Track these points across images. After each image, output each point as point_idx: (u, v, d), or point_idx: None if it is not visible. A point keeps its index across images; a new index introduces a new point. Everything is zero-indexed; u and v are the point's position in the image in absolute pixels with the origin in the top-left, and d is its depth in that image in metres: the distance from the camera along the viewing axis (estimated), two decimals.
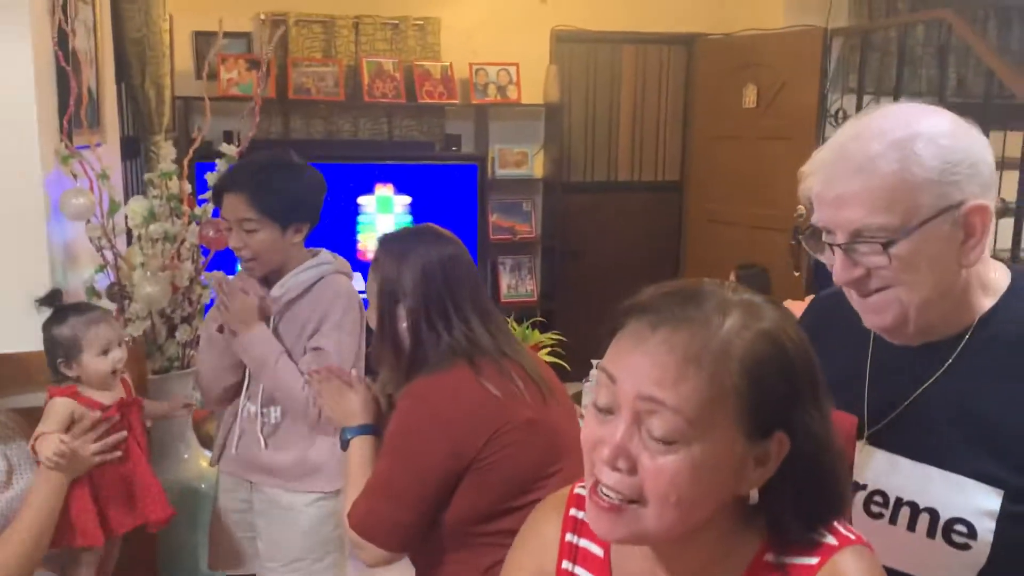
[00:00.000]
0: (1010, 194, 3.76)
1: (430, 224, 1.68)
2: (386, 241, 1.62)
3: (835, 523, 0.85)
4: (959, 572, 0.98)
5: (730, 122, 5.04)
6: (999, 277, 1.07)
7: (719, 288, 0.83)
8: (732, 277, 3.94)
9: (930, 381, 1.05)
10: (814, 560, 0.82)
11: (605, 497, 0.80)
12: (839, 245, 1.01)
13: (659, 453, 0.77)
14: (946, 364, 1.04)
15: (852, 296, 1.06)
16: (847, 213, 0.99)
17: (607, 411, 0.81)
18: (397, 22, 4.74)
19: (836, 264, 1.02)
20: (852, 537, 0.84)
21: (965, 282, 1.03)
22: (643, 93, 5.45)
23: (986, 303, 1.05)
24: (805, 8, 4.86)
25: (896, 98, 4.30)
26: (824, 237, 1.03)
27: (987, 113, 3.86)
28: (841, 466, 0.86)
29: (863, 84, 4.59)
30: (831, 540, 0.84)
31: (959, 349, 1.05)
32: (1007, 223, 3.75)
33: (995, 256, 1.12)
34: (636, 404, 0.78)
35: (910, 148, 0.97)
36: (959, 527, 0.98)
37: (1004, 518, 0.96)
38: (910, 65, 4.89)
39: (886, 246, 0.98)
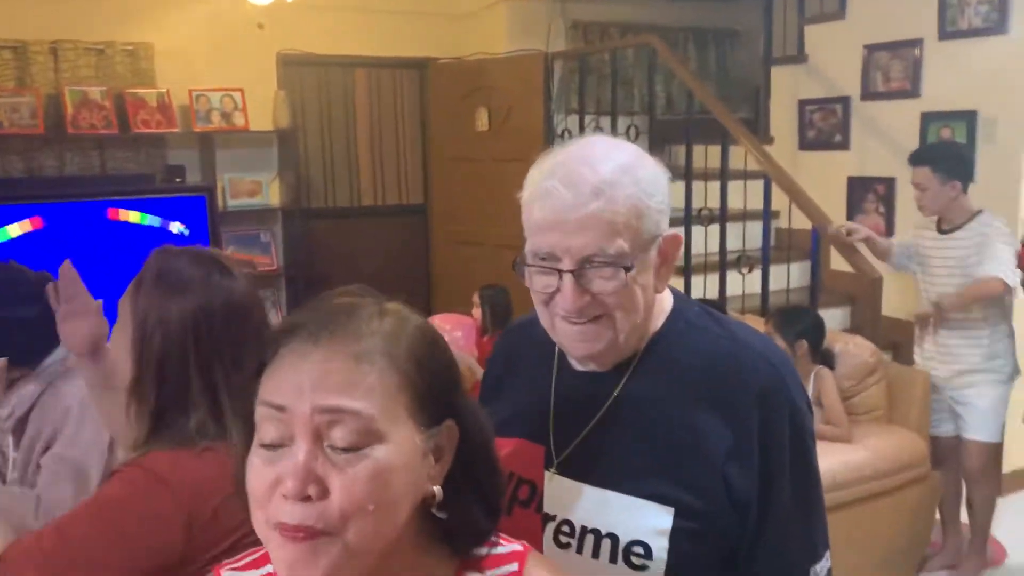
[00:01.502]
0: (713, 202, 4.11)
1: (217, 252, 1.34)
2: (163, 260, 1.25)
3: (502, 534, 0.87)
4: None
5: (466, 144, 5.13)
6: (664, 298, 1.11)
7: (369, 299, 0.83)
8: (476, 299, 3.98)
9: (606, 406, 1.07)
10: (514, 567, 0.83)
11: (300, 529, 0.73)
12: (570, 271, 0.99)
13: (348, 464, 0.73)
14: (618, 388, 1.07)
15: (556, 325, 1.04)
16: (582, 237, 0.98)
17: (277, 446, 0.75)
18: (103, 47, 4.37)
19: (565, 291, 1.00)
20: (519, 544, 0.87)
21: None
22: (379, 117, 5.42)
23: (654, 325, 1.09)
24: (527, 33, 5.05)
25: (614, 117, 4.59)
26: (541, 263, 1.01)
27: (690, 128, 4.22)
28: (497, 456, 0.88)
29: (584, 104, 4.85)
30: (517, 546, 0.85)
31: (629, 373, 1.07)
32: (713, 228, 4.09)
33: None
34: (315, 420, 0.73)
35: (638, 175, 1.00)
36: (637, 549, 1.00)
37: (676, 534, 0.99)
38: (625, 86, 5.24)
39: (627, 270, 0.99)
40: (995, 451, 3.18)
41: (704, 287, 4.13)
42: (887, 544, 3.07)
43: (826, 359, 3.12)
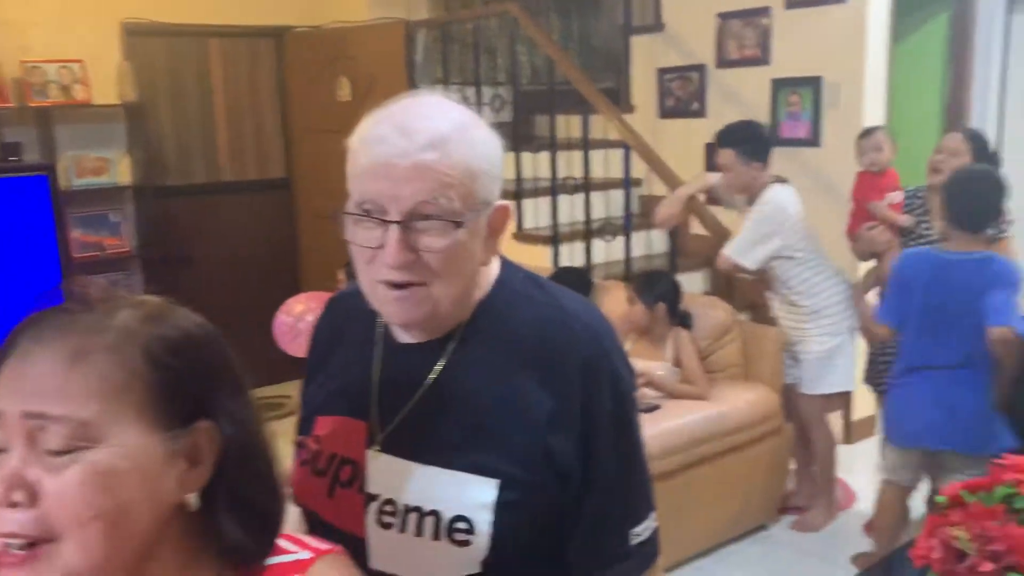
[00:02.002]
0: (579, 171, 4.16)
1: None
2: None
3: (306, 537, 0.83)
4: (464, 568, 0.99)
5: (328, 116, 4.99)
6: (490, 266, 1.08)
7: (113, 294, 0.78)
8: (341, 275, 3.89)
9: (430, 379, 1.04)
10: None
11: (14, 551, 0.68)
12: (397, 223, 0.93)
13: (60, 468, 0.69)
14: (443, 360, 1.04)
15: (378, 291, 0.99)
16: (412, 186, 0.93)
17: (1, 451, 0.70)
18: None
19: (390, 245, 0.94)
20: (324, 547, 0.82)
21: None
22: (236, 88, 5.19)
23: (479, 294, 1.06)
24: (388, 1, 4.94)
25: (478, 87, 4.55)
26: (365, 213, 0.95)
27: (553, 98, 4.23)
28: (275, 466, 0.82)
29: (448, 75, 4.79)
30: (304, 554, 0.81)
31: (453, 343, 1.04)
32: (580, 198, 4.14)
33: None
34: (26, 425, 0.69)
35: (474, 136, 0.97)
36: (460, 524, 0.99)
37: (499, 507, 0.98)
38: (489, 55, 5.20)
39: (458, 226, 0.94)
40: (822, 403, 3.33)
41: (571, 255, 4.18)
42: (745, 494, 3.21)
43: (684, 320, 3.21)
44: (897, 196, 3.27)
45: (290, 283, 5.12)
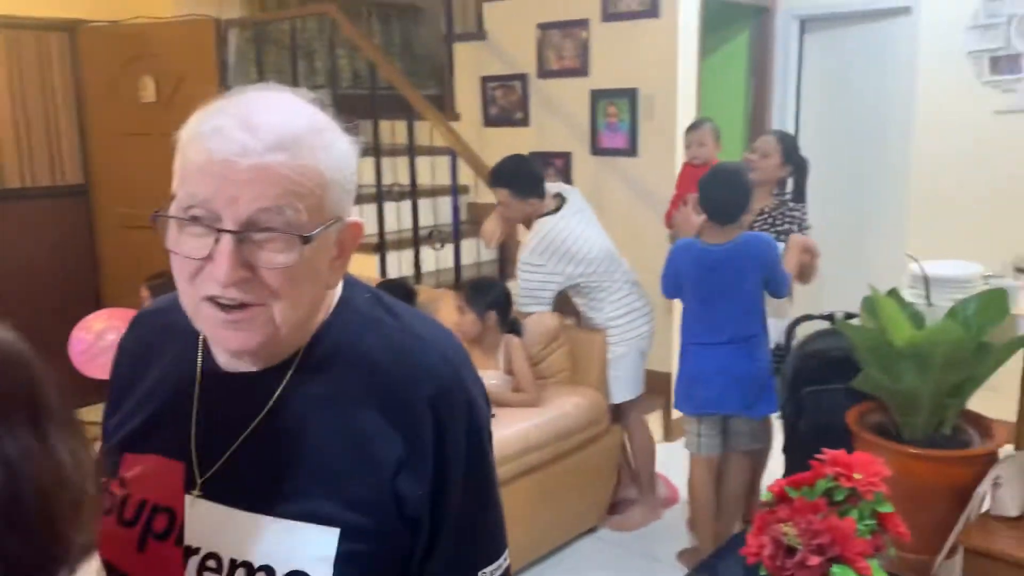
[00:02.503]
0: (402, 177, 4.07)
1: None
2: None
3: None
4: None
5: (131, 118, 4.63)
6: (334, 288, 0.96)
7: None
8: (144, 292, 3.59)
9: (261, 414, 0.91)
10: None
11: None
12: (232, 232, 0.80)
13: None
14: (276, 392, 0.91)
15: (202, 310, 0.85)
16: (253, 190, 0.79)
17: None
18: None
19: (220, 258, 0.80)
20: None
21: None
22: (23, 86, 4.71)
23: (319, 318, 0.93)
24: None
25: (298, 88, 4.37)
26: (193, 219, 0.81)
27: (375, 103, 4.13)
28: (62, 521, 0.68)
29: (263, 76, 4.57)
30: None
31: (289, 373, 0.91)
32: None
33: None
34: None
35: (330, 141, 0.85)
36: None
37: (341, 559, 0.86)
38: (307, 58, 5.02)
39: (306, 242, 0.82)
40: (632, 406, 3.41)
41: (399, 264, 4.09)
42: (577, 497, 3.24)
43: (514, 327, 3.20)
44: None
45: (89, 298, 4.71)
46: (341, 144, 0.87)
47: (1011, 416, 2.64)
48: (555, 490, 3.12)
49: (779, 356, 3.13)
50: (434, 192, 4.36)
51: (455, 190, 4.20)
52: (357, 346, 0.93)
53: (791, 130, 4.89)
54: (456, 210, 4.14)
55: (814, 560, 1.41)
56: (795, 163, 3.29)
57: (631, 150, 4.27)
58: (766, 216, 3.25)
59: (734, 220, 2.88)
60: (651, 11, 4.09)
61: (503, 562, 0.99)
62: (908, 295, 2.94)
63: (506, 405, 3.03)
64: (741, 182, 2.89)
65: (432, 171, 4.12)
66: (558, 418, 3.08)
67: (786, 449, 3.07)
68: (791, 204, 3.28)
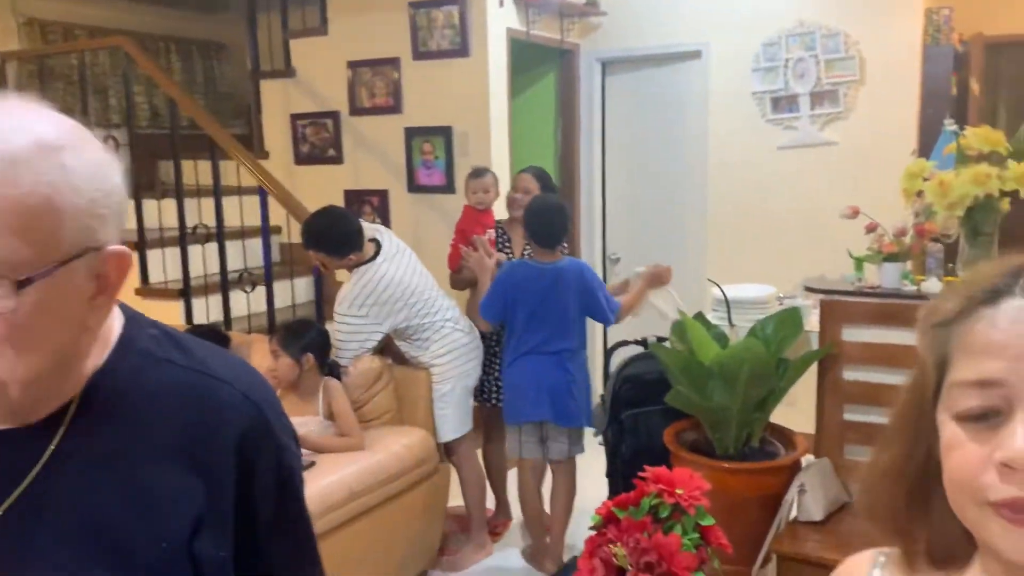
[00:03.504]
0: (207, 218, 3.87)
1: None
2: None
3: None
4: None
5: None
6: (109, 324, 0.84)
7: None
8: None
9: (29, 478, 0.79)
10: None
11: None
12: None
13: None
14: (48, 451, 0.79)
15: None
16: None
17: None
18: None
19: None
20: None
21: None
22: None
23: (94, 362, 0.82)
24: None
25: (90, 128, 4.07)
26: None
27: (176, 142, 3.91)
28: None
29: None
30: None
31: (61, 429, 0.80)
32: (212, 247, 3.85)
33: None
34: None
35: (65, 160, 0.72)
36: None
37: None
38: (99, 95, 4.70)
39: (21, 284, 0.70)
40: (452, 445, 3.35)
41: (207, 309, 3.87)
42: (407, 541, 3.15)
43: (332, 370, 3.09)
44: (491, 233, 3.50)
45: None
46: (86, 163, 0.75)
47: (809, 427, 2.84)
48: (385, 535, 3.01)
49: None
50: (243, 233, 4.17)
51: (266, 230, 4.04)
52: (142, 390, 0.83)
53: (599, 166, 5.10)
54: (268, 251, 3.98)
55: None
56: (552, 193, 3.53)
57: (448, 187, 4.28)
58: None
59: (559, 243, 3.15)
60: (461, 50, 4.15)
61: None
62: (712, 318, 3.11)
63: (329, 451, 2.91)
64: (564, 210, 3.22)
65: (240, 212, 3.94)
66: (385, 460, 2.99)
67: (609, 474, 3.14)
68: None
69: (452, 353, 3.28)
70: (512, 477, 3.90)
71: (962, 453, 0.62)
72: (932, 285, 2.60)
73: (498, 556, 3.48)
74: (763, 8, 4.49)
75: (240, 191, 4.01)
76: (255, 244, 4.12)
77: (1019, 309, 0.62)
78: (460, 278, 3.55)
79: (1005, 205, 2.47)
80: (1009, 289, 0.63)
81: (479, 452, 3.58)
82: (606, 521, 1.57)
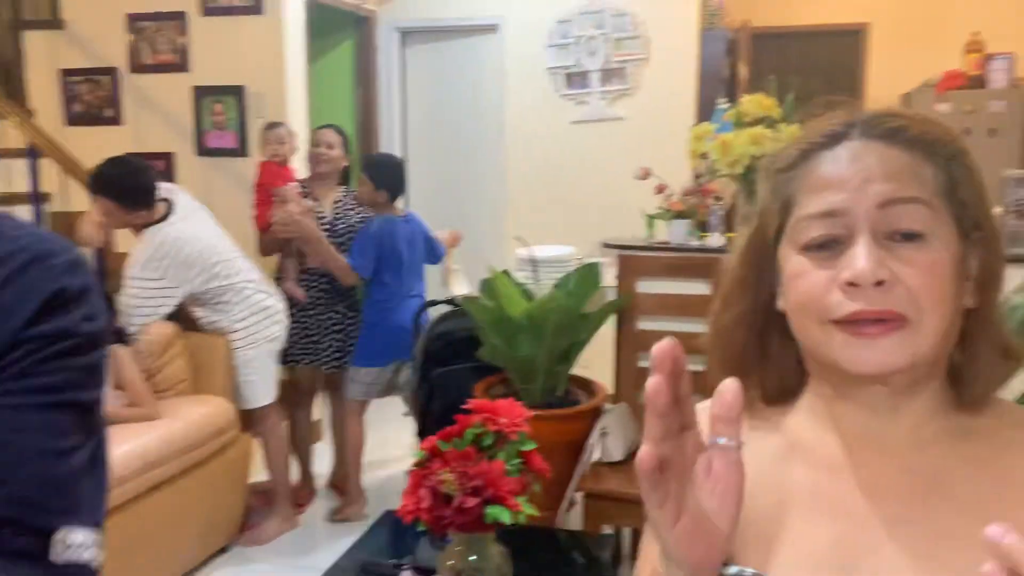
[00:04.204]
0: None
1: None
2: None
3: None
4: None
5: None
6: None
7: None
8: None
9: None
10: None
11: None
12: None
13: None
14: None
15: None
16: None
17: None
18: None
19: None
20: None
21: None
22: None
23: None
24: None
25: None
26: None
27: None
28: None
29: None
30: None
31: None
32: None
33: None
34: None
35: None
36: None
37: None
38: None
39: None
40: (257, 414, 3.24)
41: None
42: (206, 514, 3.01)
43: (119, 337, 2.88)
44: (295, 187, 3.39)
45: None
46: None
47: (608, 380, 3.00)
48: (182, 508, 2.85)
49: None
50: (9, 200, 3.77)
51: (36, 197, 3.68)
52: None
53: (400, 137, 5.08)
54: (39, 220, 3.62)
55: (471, 502, 1.45)
56: (350, 153, 3.56)
57: (241, 150, 4.09)
58: (341, 203, 3.45)
59: (400, 195, 3.39)
60: (254, 7, 3.96)
61: (90, 537, 0.70)
62: (518, 277, 3.20)
63: (121, 422, 2.71)
64: (399, 164, 3.48)
65: (9, 177, 3.55)
66: (181, 430, 2.83)
67: (420, 432, 3.15)
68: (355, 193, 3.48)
69: (255, 316, 3.15)
70: (321, 449, 3.83)
71: (808, 278, 0.69)
72: (715, 240, 2.82)
73: (303, 530, 3.40)
74: None
75: (4, 154, 3.62)
76: (22, 213, 3.74)
77: (856, 147, 0.70)
78: (272, 240, 3.39)
79: None
80: (846, 133, 0.71)
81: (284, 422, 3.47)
82: (431, 455, 1.58)
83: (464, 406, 2.94)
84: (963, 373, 0.72)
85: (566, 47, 4.70)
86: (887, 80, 5.71)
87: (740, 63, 5.14)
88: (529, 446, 1.59)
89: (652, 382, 0.57)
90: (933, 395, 0.72)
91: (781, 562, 0.69)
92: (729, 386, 0.58)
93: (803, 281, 0.69)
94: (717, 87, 4.55)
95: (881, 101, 5.78)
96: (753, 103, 2.76)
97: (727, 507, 0.60)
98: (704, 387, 0.74)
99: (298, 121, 4.08)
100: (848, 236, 0.68)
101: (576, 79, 4.73)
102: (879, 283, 0.65)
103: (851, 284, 0.66)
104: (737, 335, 0.78)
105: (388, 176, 3.30)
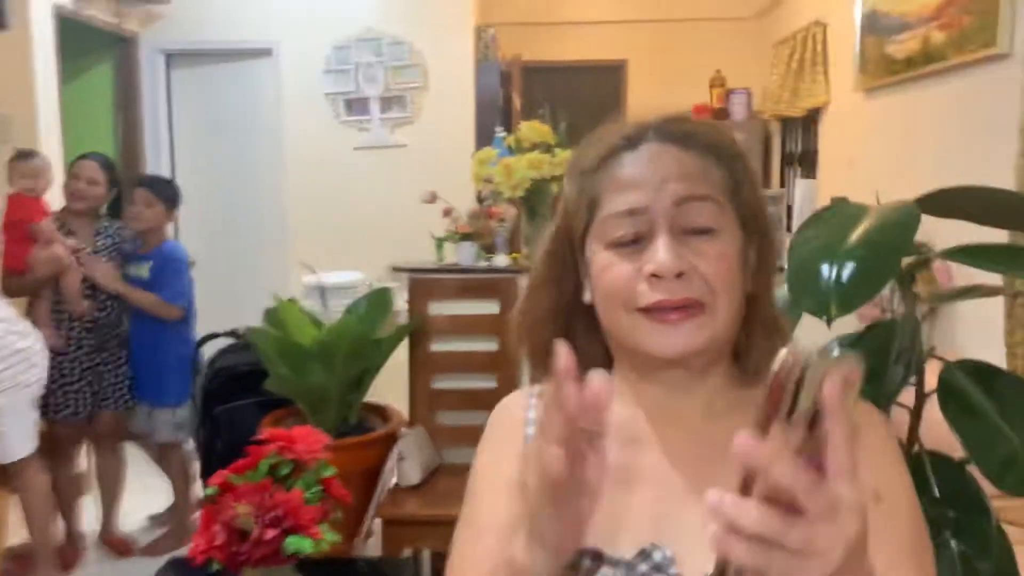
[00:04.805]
0: None
1: None
2: None
3: None
4: None
5: None
6: None
7: None
8: None
9: None
10: None
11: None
12: None
13: None
14: None
15: None
16: None
17: None
18: None
19: None
20: None
21: None
22: None
23: None
24: None
25: None
26: None
27: None
28: None
29: None
30: None
31: None
32: None
33: None
34: None
35: None
36: None
37: None
38: None
39: None
40: (14, 468, 2.90)
41: None
42: None
43: None
44: (49, 222, 3.12)
45: None
46: None
47: (402, 405, 2.98)
48: None
49: None
50: None
51: None
52: None
53: (168, 162, 4.80)
54: None
55: (270, 533, 1.39)
56: (117, 184, 3.29)
57: None
58: (102, 236, 3.19)
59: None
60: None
61: None
62: (305, 305, 3.12)
63: None
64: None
65: None
66: None
67: (204, 474, 2.98)
68: (118, 224, 3.24)
69: (8, 360, 2.83)
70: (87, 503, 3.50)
71: (616, 271, 0.75)
72: (501, 260, 2.91)
73: None
74: (332, 12, 4.62)
75: None
76: None
77: (653, 149, 0.77)
78: (25, 281, 3.05)
79: (555, 188, 2.86)
80: (643, 136, 0.78)
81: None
82: (223, 490, 1.49)
83: (256, 441, 2.82)
84: (744, 351, 0.80)
85: (344, 73, 4.67)
86: (646, 111, 6.01)
87: (514, 93, 5.36)
88: (329, 472, 1.55)
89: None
90: (721, 373, 0.80)
91: (603, 533, 0.72)
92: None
93: (611, 274, 0.75)
94: (494, 115, 4.70)
95: None
96: (530, 130, 2.89)
97: (599, 485, 0.62)
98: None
99: (51, 146, 3.76)
100: (649, 232, 0.74)
101: (356, 105, 4.71)
102: (679, 275, 0.72)
103: (655, 276, 0.72)
104: (546, 328, 0.82)
105: (175, 197, 3.20)
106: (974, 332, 2.46)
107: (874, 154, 3.75)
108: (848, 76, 3.91)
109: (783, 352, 0.49)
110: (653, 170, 0.75)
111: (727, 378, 0.80)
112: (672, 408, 0.79)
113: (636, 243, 0.74)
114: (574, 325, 0.82)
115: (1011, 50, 2.44)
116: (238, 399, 2.92)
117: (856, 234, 1.17)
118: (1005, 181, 2.10)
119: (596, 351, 0.82)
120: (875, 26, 3.56)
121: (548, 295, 0.82)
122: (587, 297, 0.80)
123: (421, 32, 4.65)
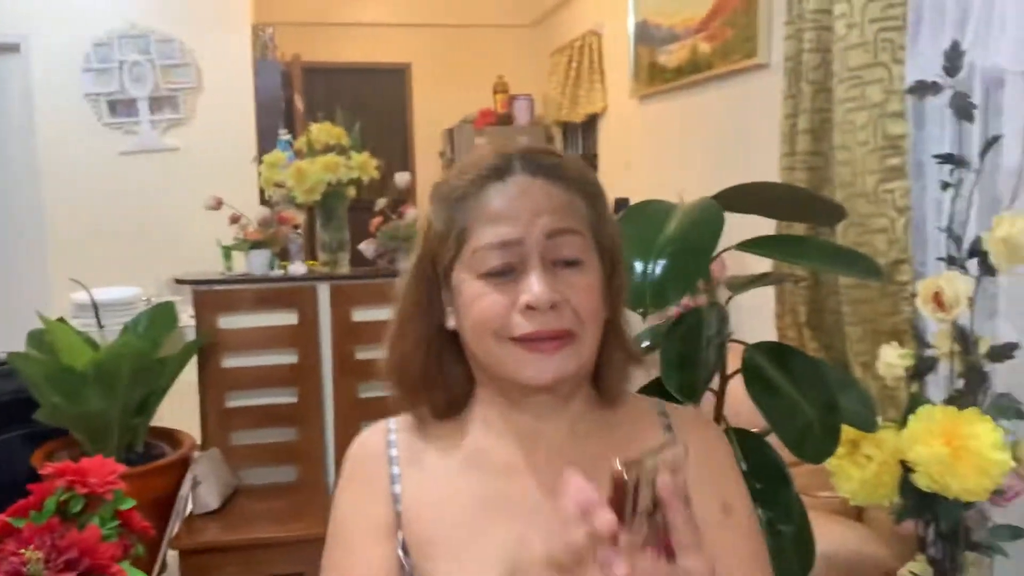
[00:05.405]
0: None
1: None
2: None
3: None
4: None
5: None
6: None
7: None
8: None
9: None
10: None
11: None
12: None
13: None
14: None
15: None
16: None
17: None
18: None
19: None
20: None
21: None
22: None
23: None
24: None
25: None
26: None
27: None
28: None
29: None
30: None
31: None
32: None
33: None
34: None
35: None
36: None
37: None
38: None
39: None
40: None
41: None
42: None
43: None
44: None
45: None
46: None
47: (194, 423, 2.79)
48: None
49: None
50: None
51: None
52: None
53: None
54: None
55: None
56: None
57: None
58: None
59: None
60: None
61: None
62: (75, 324, 2.84)
63: None
64: None
65: None
66: None
67: None
68: None
69: None
70: None
71: (488, 300, 0.75)
72: (297, 268, 2.79)
73: None
74: (88, 5, 4.24)
75: None
76: None
77: (521, 182, 0.77)
78: None
79: (351, 191, 2.80)
80: (510, 167, 0.78)
81: None
82: (3, 536, 1.31)
83: (18, 482, 2.53)
84: (603, 375, 0.83)
85: (107, 72, 4.30)
86: (432, 115, 6.19)
87: (296, 95, 5.19)
88: (127, 504, 1.41)
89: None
90: (583, 397, 0.83)
91: (468, 565, 0.71)
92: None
93: (483, 303, 0.76)
94: (276, 117, 4.52)
95: (428, 135, 6.28)
96: (323, 131, 2.80)
97: None
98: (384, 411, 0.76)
99: None
100: (521, 263, 0.75)
101: (122, 107, 4.35)
102: (553, 306, 0.74)
103: (530, 307, 0.74)
104: (417, 357, 0.82)
105: None
106: (748, 317, 2.69)
107: (649, 157, 3.99)
108: (623, 83, 4.14)
109: (617, 462, 0.55)
110: (524, 203, 0.76)
111: (588, 401, 0.84)
112: (540, 432, 0.81)
113: (507, 274, 0.76)
114: (440, 353, 0.82)
115: (769, 60, 2.69)
116: (2, 432, 2.61)
117: (666, 234, 1.24)
118: (772, 180, 2.32)
119: (458, 379, 0.83)
120: (647, 36, 3.79)
121: (419, 325, 0.82)
122: (451, 323, 0.80)
123: (192, 30, 4.37)
